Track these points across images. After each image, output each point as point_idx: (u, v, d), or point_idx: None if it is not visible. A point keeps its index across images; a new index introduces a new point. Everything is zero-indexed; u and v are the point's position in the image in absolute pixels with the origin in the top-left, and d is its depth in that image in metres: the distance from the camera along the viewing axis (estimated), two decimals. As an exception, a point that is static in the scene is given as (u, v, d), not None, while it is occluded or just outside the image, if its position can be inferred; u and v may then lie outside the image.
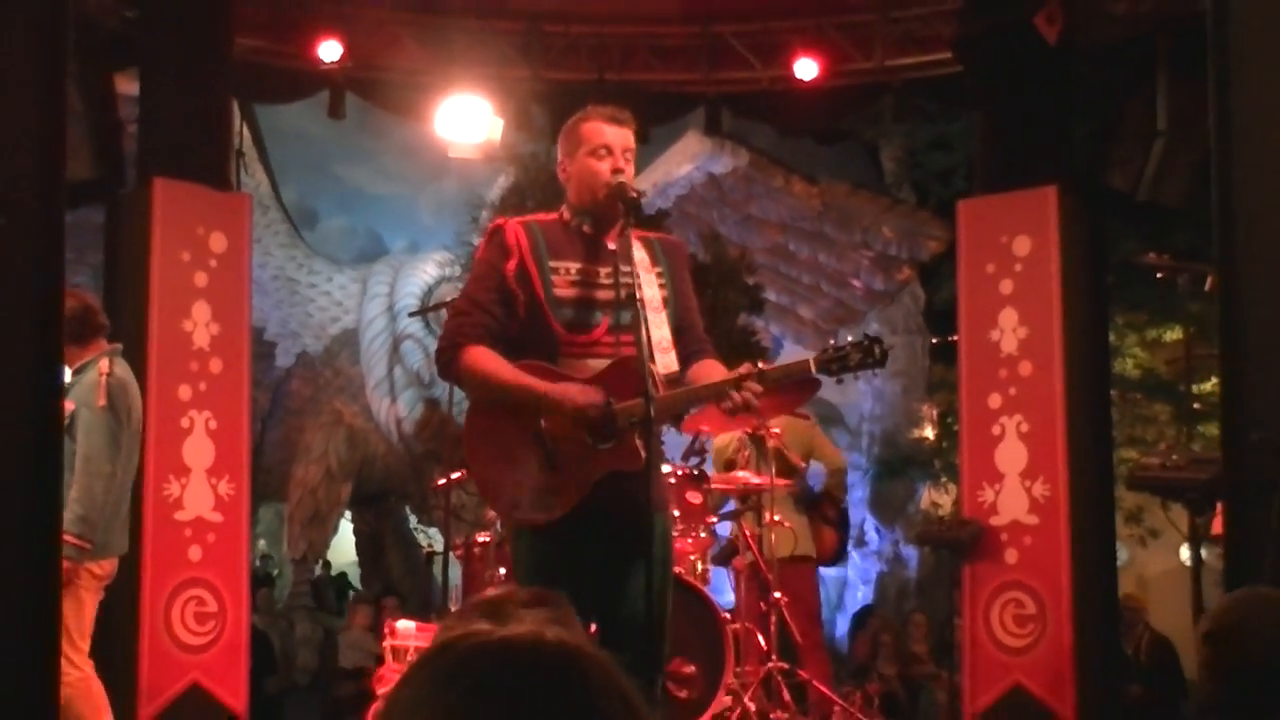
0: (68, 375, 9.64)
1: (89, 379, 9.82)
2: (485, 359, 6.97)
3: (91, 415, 9.73)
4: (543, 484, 6.95)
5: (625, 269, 7.03)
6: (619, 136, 7.10)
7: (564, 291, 7.11)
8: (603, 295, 7.01)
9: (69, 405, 9.66)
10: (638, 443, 6.84)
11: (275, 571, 28.70)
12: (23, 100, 7.82)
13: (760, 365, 6.90)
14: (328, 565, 29.36)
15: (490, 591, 4.94)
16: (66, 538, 9.34)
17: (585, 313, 7.02)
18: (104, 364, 9.93)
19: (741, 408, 7.05)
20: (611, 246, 7.17)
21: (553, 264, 7.13)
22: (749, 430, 11.54)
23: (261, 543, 28.95)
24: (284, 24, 13.70)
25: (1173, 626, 16.91)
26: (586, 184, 7.17)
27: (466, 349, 6.99)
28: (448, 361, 7.14)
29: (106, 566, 10.03)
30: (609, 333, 6.90)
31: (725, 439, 12.42)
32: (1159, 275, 12.27)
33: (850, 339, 6.84)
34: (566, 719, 1.69)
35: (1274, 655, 3.60)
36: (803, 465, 12.58)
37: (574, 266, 7.15)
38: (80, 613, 9.84)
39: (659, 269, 7.31)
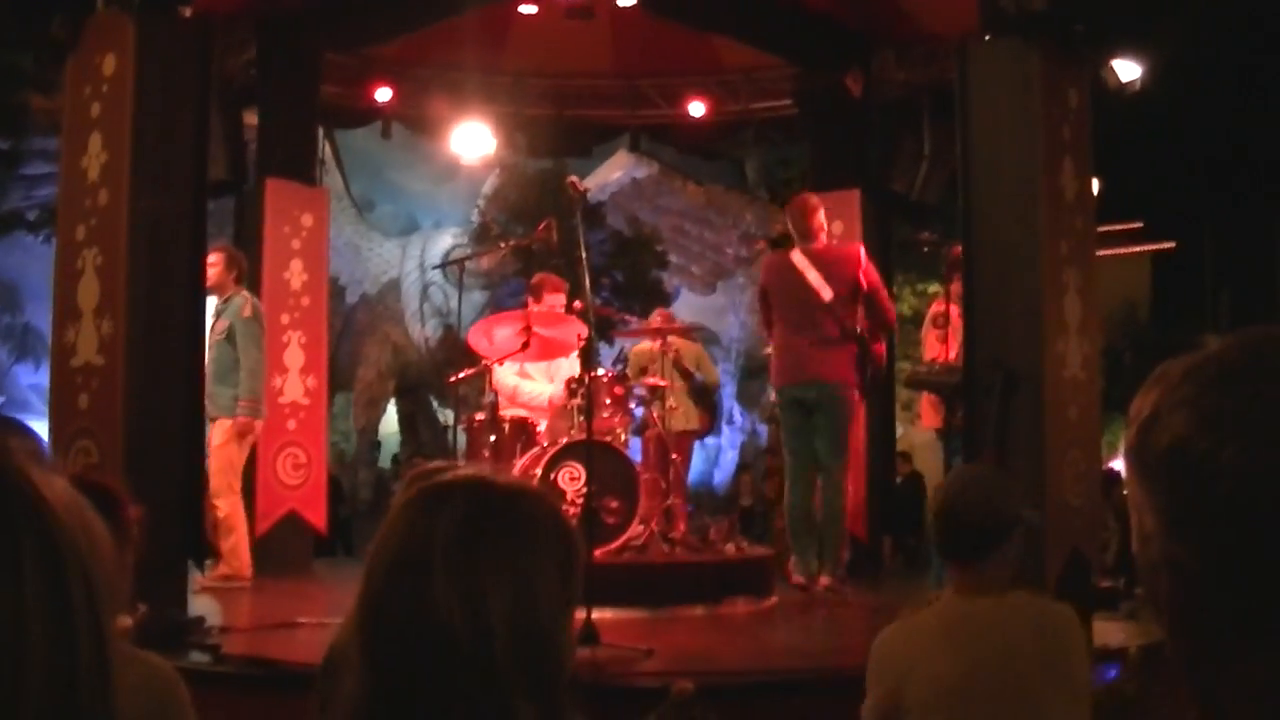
0: (214, 302, 9.99)
1: (236, 304, 10.13)
2: None
3: (248, 327, 9.97)
4: None
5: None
6: None
7: None
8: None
9: (224, 323, 10.04)
10: None
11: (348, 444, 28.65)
12: (184, 131, 7.93)
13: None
14: (378, 444, 29.41)
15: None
16: (246, 403, 9.78)
17: None
18: (246, 294, 10.30)
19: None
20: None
21: None
22: (657, 348, 11.57)
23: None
24: (353, 77, 13.65)
25: (928, 473, 17.30)
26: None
27: None
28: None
29: (257, 426, 10.29)
30: None
31: (640, 352, 12.40)
32: (925, 249, 12.34)
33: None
34: (481, 527, 1.71)
35: None
36: (693, 371, 12.56)
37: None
38: (241, 459, 10.11)
39: None
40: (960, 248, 9.55)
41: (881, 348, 9.92)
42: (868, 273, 9.67)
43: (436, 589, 1.66)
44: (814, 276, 9.54)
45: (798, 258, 9.69)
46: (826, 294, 9.52)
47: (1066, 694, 3.73)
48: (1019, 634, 3.76)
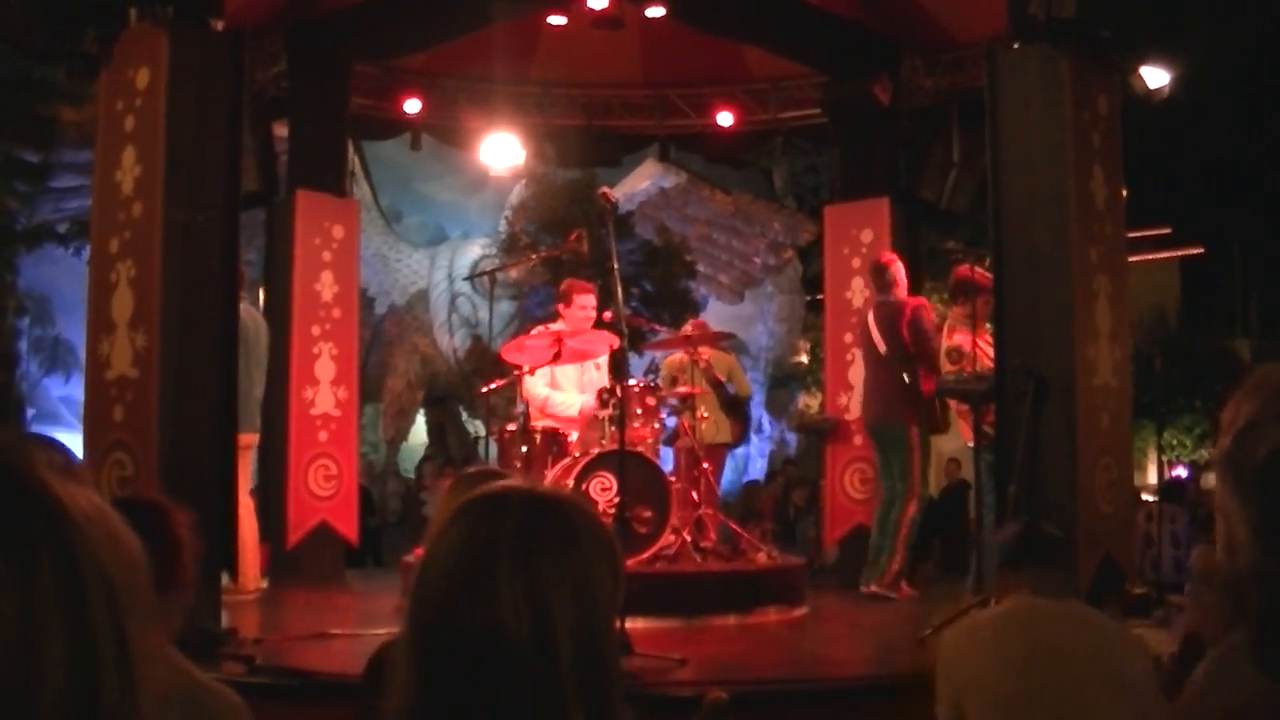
0: None
1: None
2: None
3: None
4: None
5: None
6: None
7: None
8: None
9: None
10: None
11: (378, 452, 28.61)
12: (217, 143, 7.96)
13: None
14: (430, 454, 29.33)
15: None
16: None
17: None
18: None
19: None
20: None
21: None
22: (687, 357, 11.53)
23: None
24: (383, 88, 13.70)
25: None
26: None
27: None
28: None
29: (243, 439, 10.08)
30: None
31: (672, 362, 12.31)
32: (952, 257, 12.35)
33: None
34: (545, 536, 1.73)
35: None
36: (725, 381, 12.48)
37: None
38: (244, 470, 10.05)
39: None
40: (964, 268, 9.73)
41: (930, 387, 10.57)
42: (910, 326, 10.57)
43: (502, 597, 1.66)
44: (875, 331, 10.75)
45: (870, 313, 11.00)
46: (881, 347, 10.74)
47: (1126, 701, 3.76)
48: (1078, 635, 3.89)
